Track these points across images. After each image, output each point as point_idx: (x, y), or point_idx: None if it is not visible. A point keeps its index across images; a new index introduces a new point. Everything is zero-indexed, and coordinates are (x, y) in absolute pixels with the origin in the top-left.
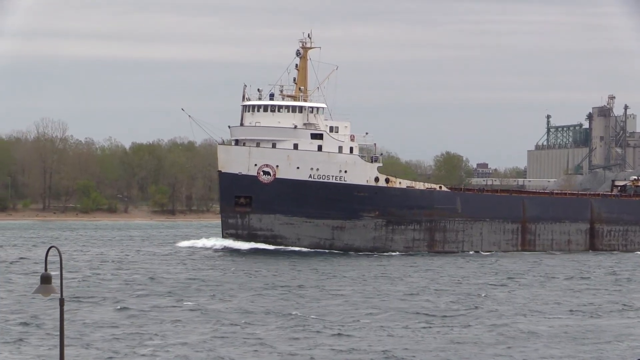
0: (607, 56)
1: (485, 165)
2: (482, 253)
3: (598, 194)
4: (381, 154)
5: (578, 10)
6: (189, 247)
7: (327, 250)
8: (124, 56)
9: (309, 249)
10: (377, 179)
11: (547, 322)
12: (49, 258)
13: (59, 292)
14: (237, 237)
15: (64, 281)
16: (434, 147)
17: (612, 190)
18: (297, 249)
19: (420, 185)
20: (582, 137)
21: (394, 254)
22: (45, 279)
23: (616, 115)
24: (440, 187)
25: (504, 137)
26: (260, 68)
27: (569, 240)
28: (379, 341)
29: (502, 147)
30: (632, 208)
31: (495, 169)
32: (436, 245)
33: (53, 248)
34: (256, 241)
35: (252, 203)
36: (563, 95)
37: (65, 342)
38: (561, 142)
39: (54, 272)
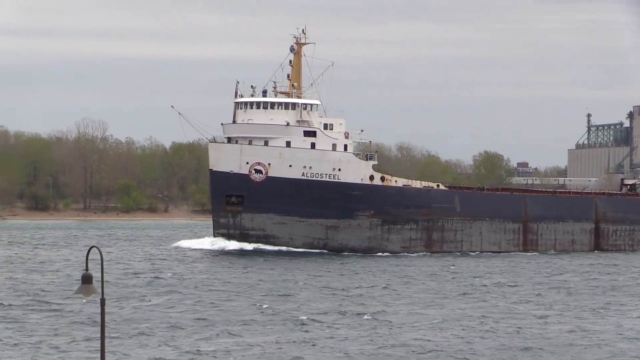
0: None
1: (525, 165)
2: (481, 253)
3: (604, 193)
4: (376, 152)
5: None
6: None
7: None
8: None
9: (302, 249)
10: (372, 178)
11: None
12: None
13: (100, 291)
14: (228, 237)
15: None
16: (476, 146)
17: (621, 189)
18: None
19: (417, 184)
20: (623, 136)
21: (399, 254)
22: (86, 279)
23: None
24: (438, 186)
25: (545, 136)
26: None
27: (573, 240)
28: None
29: (543, 146)
30: (639, 207)
31: (536, 168)
32: (434, 245)
33: (94, 248)
34: (248, 241)
35: (243, 202)
36: (603, 94)
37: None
38: (602, 141)
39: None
